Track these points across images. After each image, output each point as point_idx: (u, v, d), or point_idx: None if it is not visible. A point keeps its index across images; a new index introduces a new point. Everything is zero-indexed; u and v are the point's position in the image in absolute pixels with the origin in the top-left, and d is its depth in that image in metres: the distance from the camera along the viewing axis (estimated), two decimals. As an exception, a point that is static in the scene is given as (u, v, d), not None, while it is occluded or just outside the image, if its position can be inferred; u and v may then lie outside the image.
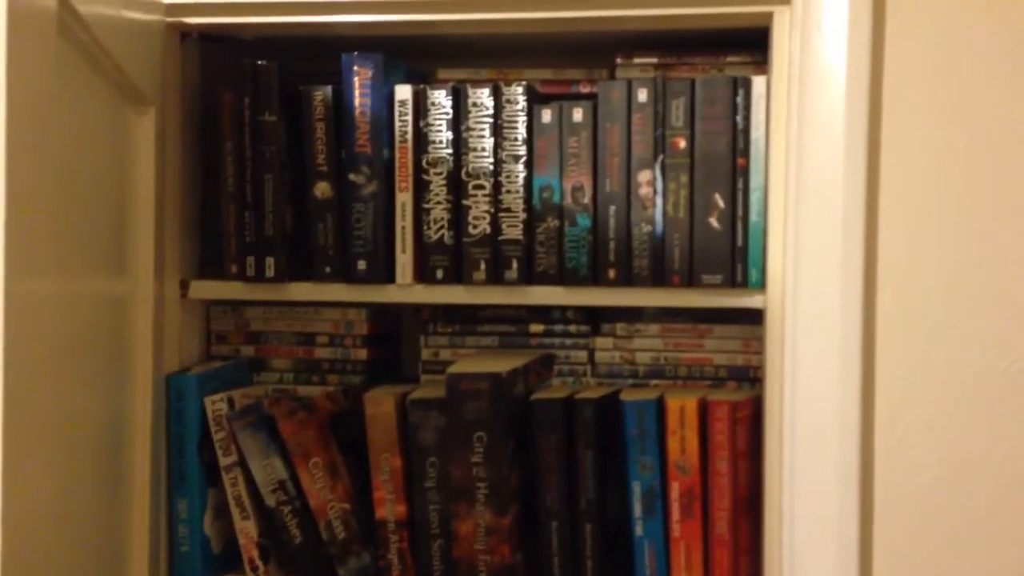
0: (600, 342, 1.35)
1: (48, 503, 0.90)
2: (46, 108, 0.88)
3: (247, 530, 1.27)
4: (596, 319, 1.36)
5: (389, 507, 1.25)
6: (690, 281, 1.20)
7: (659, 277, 1.21)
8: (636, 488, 1.20)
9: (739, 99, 1.18)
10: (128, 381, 1.19)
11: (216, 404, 1.27)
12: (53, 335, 0.93)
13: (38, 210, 0.87)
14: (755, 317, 1.27)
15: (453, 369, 1.22)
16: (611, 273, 1.22)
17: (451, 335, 1.38)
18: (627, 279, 1.22)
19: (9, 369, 0.80)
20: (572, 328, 1.36)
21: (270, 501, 1.25)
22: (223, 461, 1.26)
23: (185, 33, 1.28)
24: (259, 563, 1.27)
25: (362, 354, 1.39)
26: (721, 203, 1.19)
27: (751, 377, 1.31)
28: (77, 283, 1.02)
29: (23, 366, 0.82)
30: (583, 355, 1.35)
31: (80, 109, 1.01)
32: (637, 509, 1.20)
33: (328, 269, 1.27)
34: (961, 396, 1.08)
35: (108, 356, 1.13)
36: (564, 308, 1.35)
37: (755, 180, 1.19)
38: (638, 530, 1.20)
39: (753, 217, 1.19)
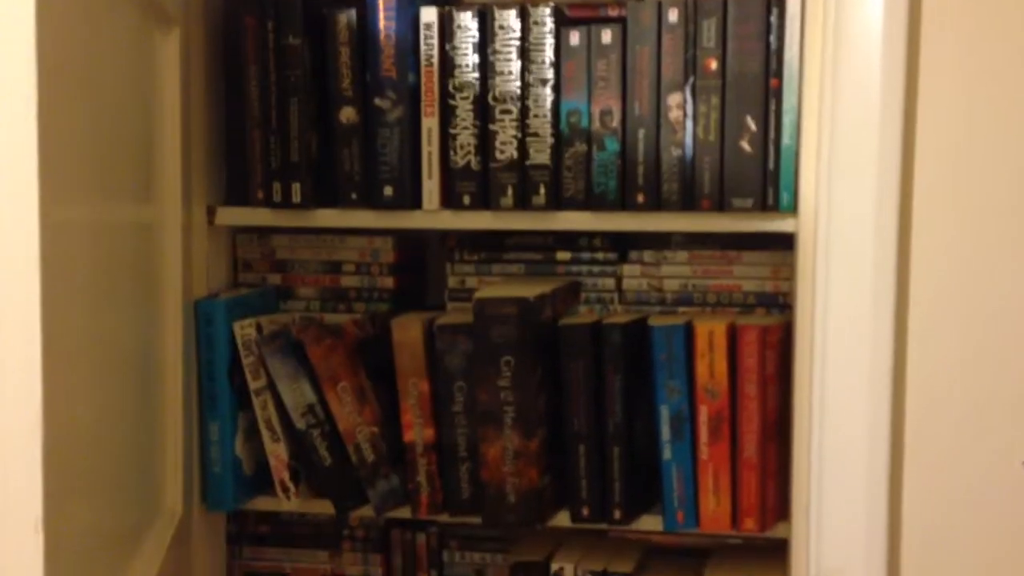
0: (628, 269, 1.34)
1: (86, 424, 0.91)
2: (75, 27, 0.87)
3: (277, 452, 1.28)
4: (623, 246, 1.35)
5: (417, 431, 1.26)
6: (720, 205, 1.19)
7: (688, 201, 1.20)
8: (664, 412, 1.20)
9: (773, 18, 1.16)
10: (158, 307, 1.19)
11: (245, 329, 1.27)
12: (86, 260, 0.93)
13: (70, 134, 0.87)
14: (785, 243, 1.26)
15: (480, 294, 1.22)
16: (639, 198, 1.21)
17: (477, 263, 1.38)
18: (656, 204, 1.20)
19: (47, 293, 0.80)
20: (599, 255, 1.35)
21: (300, 424, 1.26)
22: (253, 385, 1.28)
23: (207, -46, 1.26)
24: (290, 484, 1.29)
25: (388, 282, 1.39)
26: (753, 126, 1.17)
27: (780, 304, 1.31)
28: (107, 209, 1.02)
29: (60, 291, 0.82)
30: (610, 282, 1.35)
31: (106, 28, 1.00)
32: (665, 433, 1.20)
33: (354, 195, 1.27)
34: (995, 316, 1.07)
35: (138, 282, 1.13)
36: (591, 235, 1.34)
37: (788, 102, 1.17)
38: (666, 453, 1.20)
39: (785, 140, 1.17)
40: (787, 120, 1.17)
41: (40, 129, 0.80)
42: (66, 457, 0.84)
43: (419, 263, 1.48)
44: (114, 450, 1.03)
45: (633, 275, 1.34)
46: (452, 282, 1.39)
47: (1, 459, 0.78)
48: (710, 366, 1.19)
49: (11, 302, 0.80)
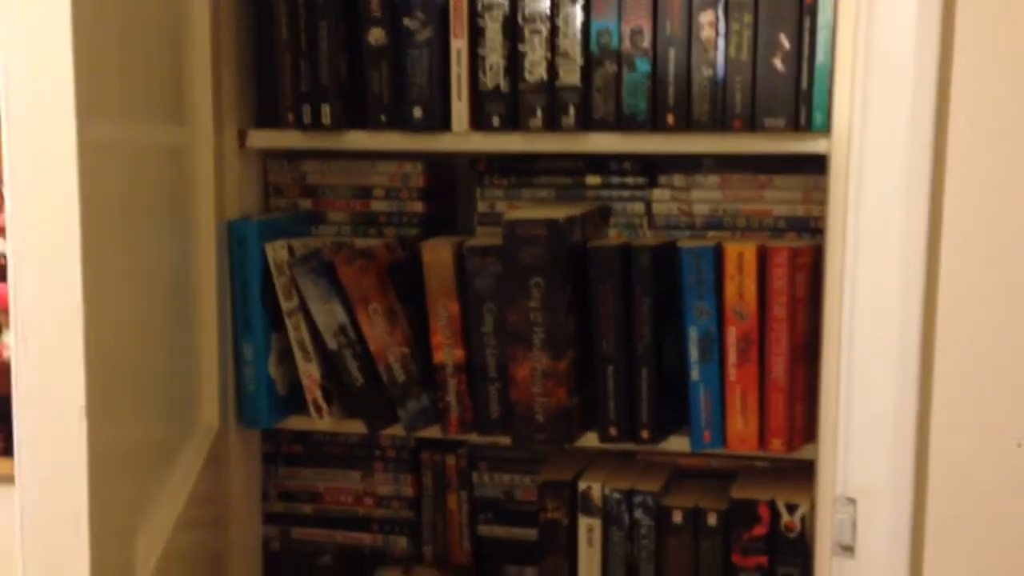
0: (657, 193, 1.34)
1: (125, 342, 0.93)
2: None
3: (310, 372, 1.30)
4: (653, 171, 1.34)
5: (447, 352, 1.27)
6: (752, 125, 1.18)
7: (720, 121, 1.18)
8: (693, 333, 1.21)
9: (809, -69, 1.13)
10: (192, 228, 1.21)
11: (277, 251, 1.29)
12: (122, 179, 0.95)
13: (104, 56, 0.88)
14: (817, 166, 1.24)
15: (510, 216, 1.22)
16: (670, 119, 1.20)
17: (507, 187, 1.38)
18: (686, 124, 1.19)
19: (85, 214, 0.82)
20: (629, 180, 1.34)
21: (332, 344, 1.28)
22: (285, 306, 1.29)
23: None
24: (322, 404, 1.31)
25: (418, 207, 1.39)
26: (786, 43, 1.15)
27: (811, 228, 1.30)
28: (140, 130, 1.04)
29: (97, 210, 0.84)
30: (640, 207, 1.34)
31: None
32: (693, 354, 1.21)
33: (384, 117, 1.27)
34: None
35: (172, 204, 1.15)
36: (621, 159, 1.34)
37: (822, 18, 1.14)
38: (694, 375, 1.21)
39: (819, 58, 1.15)
40: (821, 37, 1.15)
41: (75, 50, 0.81)
42: (109, 374, 0.87)
43: (449, 188, 1.49)
44: (153, 361, 1.06)
45: (663, 199, 1.33)
46: (481, 207, 1.39)
47: (45, 353, 0.81)
48: (739, 288, 1.19)
49: (52, 220, 0.82)
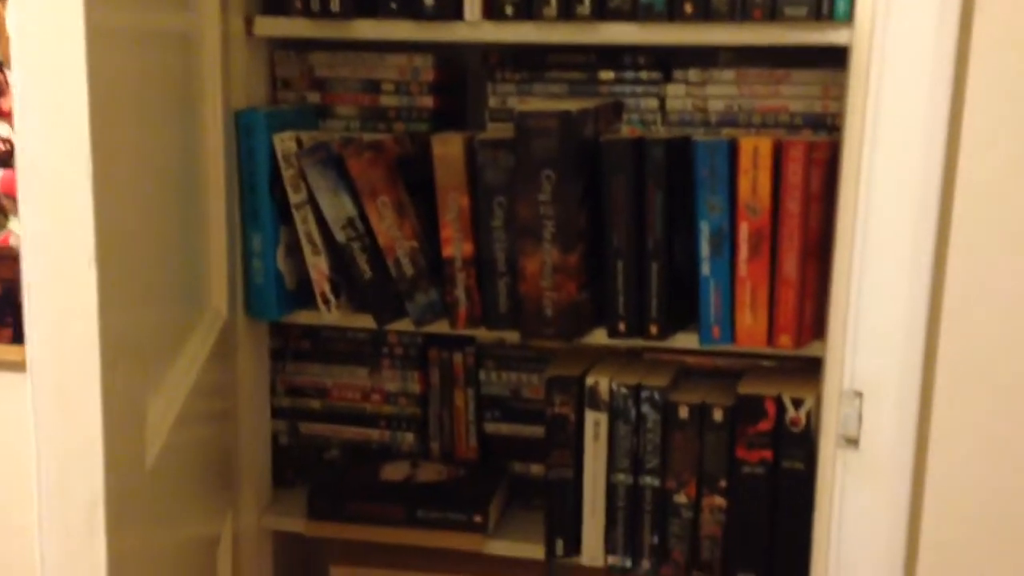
0: (672, 89, 1.31)
1: (134, 235, 0.92)
2: None
3: (318, 265, 1.30)
4: (668, 66, 1.31)
5: (456, 245, 1.26)
6: (772, 14, 1.15)
7: (739, 11, 1.15)
8: (704, 228, 1.19)
9: None
10: (199, 118, 1.19)
11: (285, 142, 1.27)
12: (129, 67, 0.93)
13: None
14: (836, 61, 1.22)
15: (522, 107, 1.20)
16: (687, 7, 1.17)
17: (519, 82, 1.35)
18: (705, 14, 1.16)
19: (94, 96, 0.80)
20: (643, 74, 1.32)
21: (340, 237, 1.27)
22: (293, 199, 1.28)
23: None
24: (330, 297, 1.31)
25: (428, 101, 1.37)
26: (810, -73, 1.12)
27: (828, 125, 1.27)
28: (147, 16, 1.01)
29: (105, 94, 0.82)
30: (654, 103, 1.32)
31: None
32: (704, 249, 1.20)
33: (393, 4, 1.24)
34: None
35: (178, 93, 1.13)
36: (635, 53, 1.31)
37: (849, -99, 1.11)
38: (704, 270, 1.20)
39: (844, -58, 1.12)
40: (847, -79, 1.11)
41: None
42: (119, 261, 0.86)
43: (460, 83, 1.46)
44: (163, 258, 1.05)
45: (677, 95, 1.31)
46: (493, 102, 1.37)
47: (58, 251, 0.80)
48: (753, 182, 1.17)
49: (60, 107, 0.80)
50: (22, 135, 0.83)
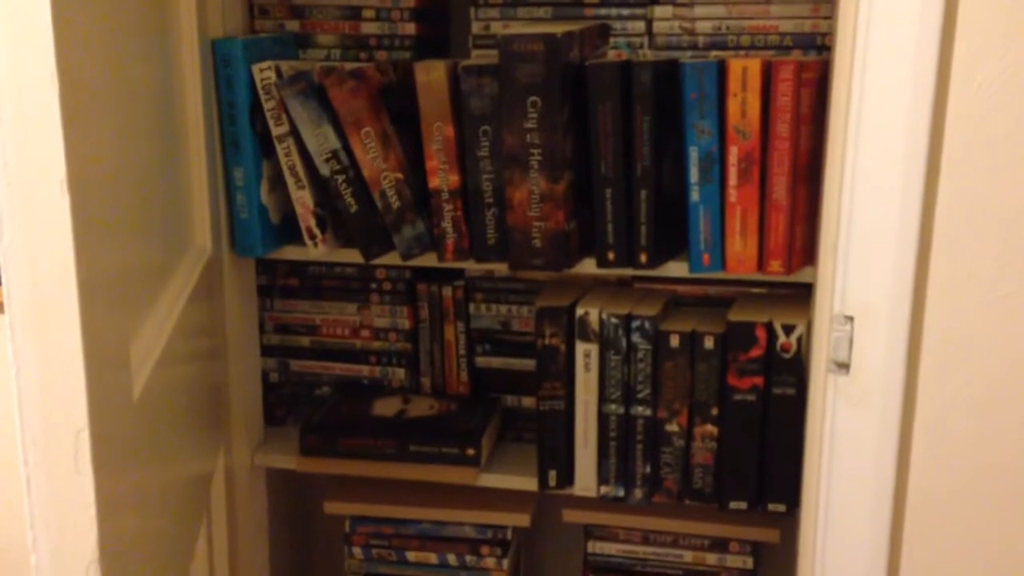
0: (659, 11, 1.28)
1: (109, 166, 0.90)
2: None
3: (303, 199, 1.28)
4: (655, -13, 1.28)
5: (442, 176, 1.24)
6: (761, -71, 1.11)
7: (727, -74, 1.12)
8: (693, 154, 1.17)
9: None
10: (174, 46, 1.16)
11: (264, 72, 1.24)
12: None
13: None
14: (828, -23, 1.19)
15: (506, 32, 1.17)
16: (675, -76, 1.13)
17: (502, 6, 1.32)
18: (692, -70, 1.13)
19: (59, 23, 0.77)
20: (630, -4, 1.29)
21: (324, 170, 1.25)
22: (275, 131, 1.26)
23: None
24: (316, 231, 1.29)
25: (410, 28, 1.34)
26: None
27: (818, 45, 1.25)
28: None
29: (72, 24, 0.79)
30: (640, 25, 1.29)
31: None
32: (694, 175, 1.18)
33: (372, -73, 1.20)
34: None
35: (152, 20, 1.09)
36: (622, -26, 1.28)
37: None
38: (694, 196, 1.19)
39: None
40: None
41: None
42: (92, 195, 0.83)
43: (442, 9, 1.42)
44: (142, 194, 1.03)
45: (664, 17, 1.28)
46: (476, 28, 1.33)
47: (32, 196, 0.77)
48: (742, 105, 1.15)
49: (25, 38, 0.77)
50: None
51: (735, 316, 1.24)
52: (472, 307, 1.42)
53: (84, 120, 0.82)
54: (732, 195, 1.18)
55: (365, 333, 1.46)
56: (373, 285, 1.44)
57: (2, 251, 0.79)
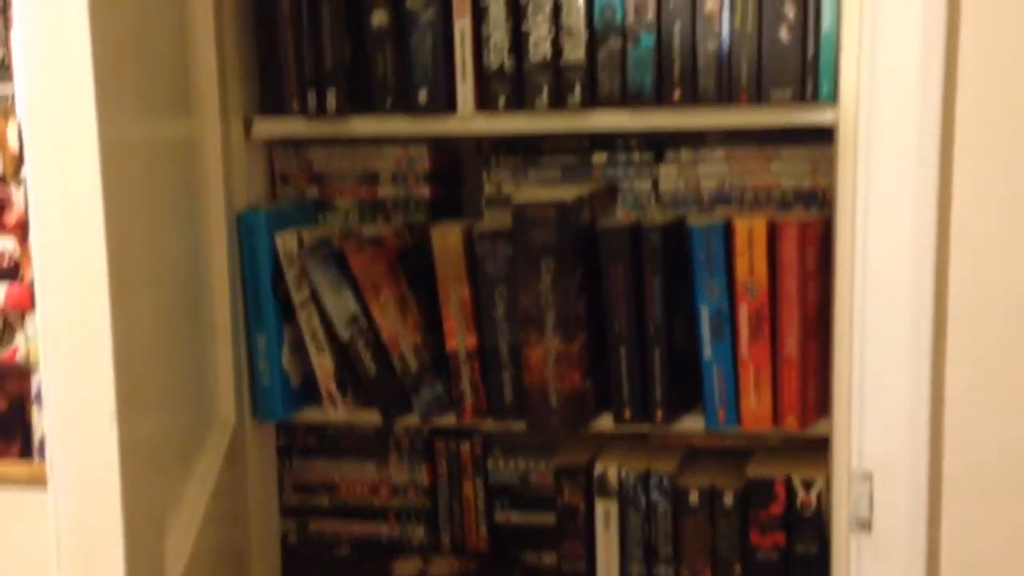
0: (664, 170, 1.33)
1: (146, 334, 0.93)
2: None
3: (323, 363, 1.30)
4: (660, 146, 1.33)
5: (459, 338, 1.27)
6: (758, 97, 1.16)
7: (726, 94, 1.17)
8: (704, 312, 1.20)
9: (811, -101, 1.12)
10: (203, 221, 1.21)
11: (287, 241, 1.29)
12: (138, 178, 0.95)
13: (119, 54, 0.88)
14: (823, 138, 1.23)
15: (519, 198, 1.21)
16: (676, 93, 1.19)
17: (513, 168, 1.37)
18: (692, 98, 1.18)
19: (108, 208, 0.82)
20: (635, 156, 1.33)
21: (344, 335, 1.28)
22: (297, 297, 1.29)
23: None
24: (336, 395, 1.31)
25: (425, 191, 1.39)
26: (791, 13, 1.14)
27: (819, 200, 1.28)
28: (153, 125, 1.04)
29: (118, 204, 0.84)
30: (646, 184, 1.34)
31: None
32: (705, 332, 1.20)
33: (389, 101, 1.26)
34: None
35: (183, 197, 1.15)
36: (627, 136, 1.33)
37: (828, -13, 1.13)
38: (707, 353, 1.20)
39: (825, 26, 1.14)
40: (826, 5, 1.13)
41: (93, 51, 0.81)
42: (131, 372, 0.87)
43: (455, 171, 1.48)
44: (171, 361, 1.06)
45: (670, 175, 1.33)
46: (488, 189, 1.38)
47: (77, 361, 0.81)
48: (750, 263, 1.18)
49: (75, 221, 0.82)
50: (39, 246, 0.85)
51: (753, 471, 1.24)
52: (490, 463, 1.42)
53: (127, 299, 0.86)
54: (744, 351, 1.19)
55: (384, 490, 1.46)
56: (391, 442, 1.45)
57: (48, 436, 0.81)
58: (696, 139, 1.31)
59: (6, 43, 1.35)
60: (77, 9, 0.80)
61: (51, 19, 0.82)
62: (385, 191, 1.40)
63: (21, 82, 0.85)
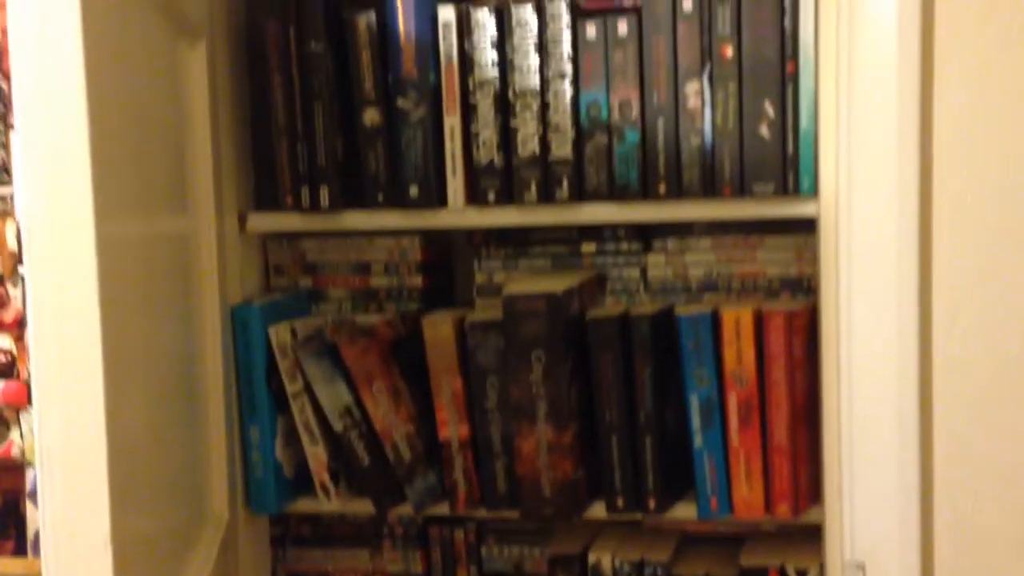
0: (652, 258, 1.35)
1: (142, 435, 0.94)
2: (117, 46, 0.90)
3: (317, 454, 1.31)
4: (647, 236, 1.36)
5: (452, 428, 1.28)
6: (741, 191, 1.19)
7: (709, 188, 1.20)
8: (694, 400, 1.21)
9: (787, 1, 1.16)
10: (197, 315, 1.22)
11: (280, 333, 1.30)
12: (134, 271, 0.96)
13: (116, 150, 0.90)
14: (807, 226, 1.26)
15: (509, 290, 1.23)
16: (661, 187, 1.22)
17: (504, 258, 1.39)
18: (677, 192, 1.21)
19: (105, 306, 0.83)
20: (623, 246, 1.36)
21: (337, 426, 1.29)
22: (290, 388, 1.30)
23: (228, -36, 1.29)
24: (330, 485, 1.31)
25: (417, 281, 1.41)
26: (771, 111, 1.18)
27: (805, 287, 1.31)
28: (149, 221, 1.05)
29: (115, 303, 0.86)
30: (635, 272, 1.36)
31: (140, 45, 1.02)
32: (696, 421, 1.21)
33: (381, 196, 1.29)
34: (1018, 299, 1.07)
35: (178, 292, 1.17)
36: (615, 226, 1.35)
37: (805, 85, 1.17)
38: (697, 442, 1.21)
39: (804, 123, 1.17)
40: (804, 104, 1.17)
41: (91, 143, 0.83)
42: (127, 470, 0.87)
43: (446, 261, 1.50)
44: (166, 457, 1.07)
45: (658, 264, 1.35)
46: (480, 278, 1.40)
47: (73, 456, 0.81)
48: (738, 353, 1.20)
49: (74, 319, 0.83)
50: (37, 343, 0.86)
51: (747, 560, 1.24)
52: (484, 550, 1.42)
53: (122, 389, 0.86)
54: (735, 440, 1.20)
55: (378, 578, 1.45)
56: (385, 530, 1.44)
57: (42, 533, 0.81)
58: (683, 228, 1.34)
59: (5, 147, 1.38)
60: (77, 111, 0.83)
61: (52, 119, 0.84)
62: (378, 281, 1.42)
63: (21, 182, 0.87)
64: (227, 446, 1.25)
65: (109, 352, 0.84)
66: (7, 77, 1.45)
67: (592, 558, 1.27)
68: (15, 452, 1.44)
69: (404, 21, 1.24)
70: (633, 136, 1.22)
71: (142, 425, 0.95)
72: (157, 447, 1.02)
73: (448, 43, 1.25)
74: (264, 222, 1.34)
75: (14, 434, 1.44)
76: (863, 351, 1.12)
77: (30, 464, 1.43)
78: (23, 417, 1.43)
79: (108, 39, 0.87)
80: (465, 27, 1.25)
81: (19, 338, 1.45)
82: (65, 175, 0.84)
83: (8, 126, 1.38)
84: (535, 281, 1.30)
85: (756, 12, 1.17)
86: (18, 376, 1.42)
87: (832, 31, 1.13)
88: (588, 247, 1.37)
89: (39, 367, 0.87)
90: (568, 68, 1.23)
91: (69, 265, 0.85)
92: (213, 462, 1.23)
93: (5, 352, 1.45)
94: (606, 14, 1.23)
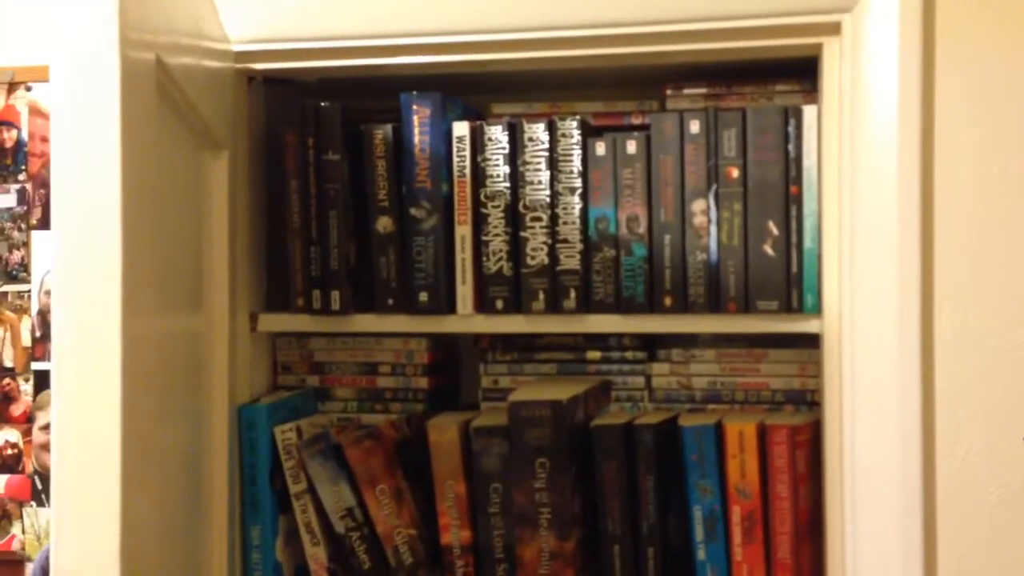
0: (657, 368, 1.37)
1: (151, 527, 0.95)
2: (149, 160, 0.93)
3: (317, 556, 1.30)
4: (652, 345, 1.38)
5: (454, 532, 1.28)
6: (746, 307, 1.22)
7: (715, 304, 1.23)
8: (697, 512, 1.22)
9: (790, 128, 1.21)
10: (205, 413, 1.24)
11: (286, 434, 1.31)
12: (153, 372, 0.98)
13: (145, 255, 0.93)
14: (811, 340, 1.28)
15: (514, 397, 1.25)
16: (667, 301, 1.24)
17: (510, 363, 1.41)
18: (683, 306, 1.24)
19: (127, 404, 0.85)
20: (629, 355, 1.38)
21: (339, 527, 1.29)
22: (293, 488, 1.31)
23: (251, 77, 1.34)
24: (329, 588, 1.30)
25: (423, 383, 1.42)
26: (775, 230, 1.21)
27: (808, 400, 1.32)
28: (167, 320, 1.08)
29: (136, 401, 0.87)
30: (640, 381, 1.38)
31: (169, 157, 1.07)
32: (699, 533, 1.21)
33: (391, 301, 1.31)
34: (1022, 418, 1.08)
35: (188, 389, 1.18)
36: (621, 335, 1.38)
37: (808, 207, 1.21)
38: (700, 554, 1.21)
39: (807, 243, 1.21)
40: (808, 224, 1.21)
41: (123, 249, 0.86)
42: (138, 555, 0.88)
43: (453, 363, 1.52)
44: (171, 558, 1.07)
45: (662, 373, 1.37)
46: (486, 382, 1.42)
47: (85, 548, 0.82)
48: (741, 466, 1.21)
49: (94, 417, 0.85)
50: (59, 451, 0.87)
51: (749, 677, 1.23)
52: (483, 657, 1.40)
53: (135, 486, 0.87)
54: (738, 554, 1.20)
55: None
56: (383, 633, 1.43)
57: None
58: (688, 339, 1.36)
59: (25, 245, 1.41)
60: (112, 217, 0.86)
61: (88, 223, 0.87)
62: (384, 382, 1.43)
63: (54, 279, 0.89)
64: (228, 547, 1.25)
65: (127, 452, 0.85)
66: (31, 178, 1.49)
67: (592, 671, 1.26)
68: (15, 546, 1.43)
69: (419, 134, 1.29)
70: (640, 250, 1.25)
71: (153, 529, 0.95)
72: (164, 548, 1.02)
73: (462, 156, 1.29)
74: (275, 322, 1.36)
75: (16, 528, 1.44)
76: (867, 466, 1.13)
77: (31, 559, 1.42)
78: (26, 512, 1.43)
79: (142, 151, 0.91)
80: (479, 141, 1.29)
81: (26, 432, 1.46)
82: (96, 278, 0.86)
83: (28, 227, 1.41)
84: (541, 387, 1.32)
85: (761, 138, 1.21)
86: (23, 470, 1.43)
87: (834, 157, 1.17)
88: (594, 354, 1.39)
89: (59, 467, 0.88)
90: (578, 183, 1.27)
91: (94, 363, 0.86)
92: (215, 560, 1.23)
93: (12, 446, 1.46)
94: (615, 132, 1.28)
